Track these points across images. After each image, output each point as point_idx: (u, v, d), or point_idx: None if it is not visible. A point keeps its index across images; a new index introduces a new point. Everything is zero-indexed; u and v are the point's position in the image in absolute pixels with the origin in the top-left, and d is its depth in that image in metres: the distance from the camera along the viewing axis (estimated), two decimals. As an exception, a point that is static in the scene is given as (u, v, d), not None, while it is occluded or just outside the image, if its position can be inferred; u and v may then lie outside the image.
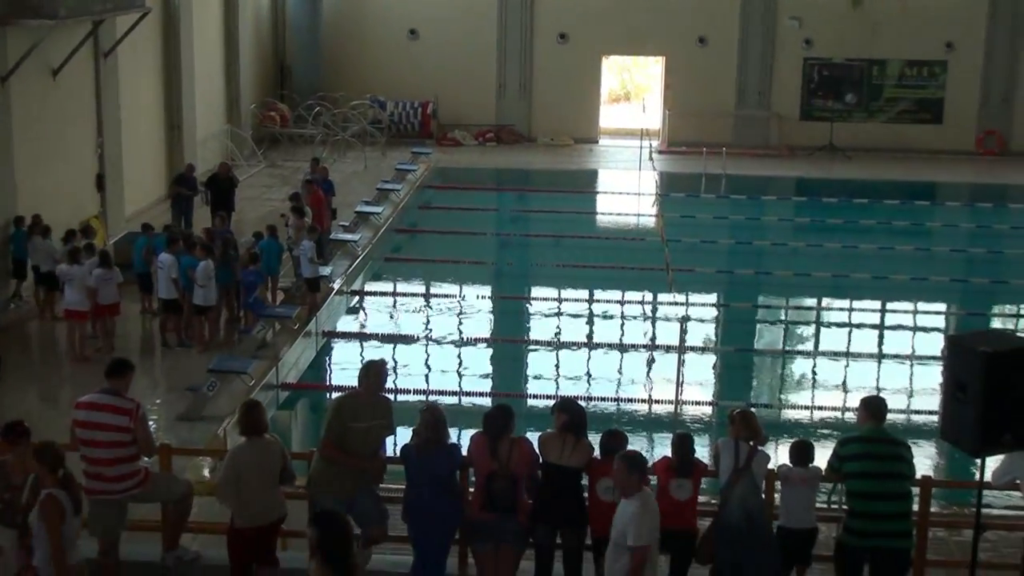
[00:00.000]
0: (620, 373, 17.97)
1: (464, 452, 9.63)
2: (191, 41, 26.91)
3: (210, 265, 16.79)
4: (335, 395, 12.70)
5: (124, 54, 22.78)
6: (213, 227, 19.02)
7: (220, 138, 29.93)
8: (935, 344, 19.14)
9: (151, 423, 13.92)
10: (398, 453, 9.66)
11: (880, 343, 19.54)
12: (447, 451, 9.44)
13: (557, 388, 17.07)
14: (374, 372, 9.67)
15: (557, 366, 18.13)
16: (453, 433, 14.08)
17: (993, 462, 9.39)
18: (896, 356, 18.69)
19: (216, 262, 17.42)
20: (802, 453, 9.62)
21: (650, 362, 18.03)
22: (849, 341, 19.56)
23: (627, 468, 8.42)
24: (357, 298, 21.14)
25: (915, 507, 9.74)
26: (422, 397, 16.15)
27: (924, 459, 14.46)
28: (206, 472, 12.53)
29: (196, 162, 24.82)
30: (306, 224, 19.50)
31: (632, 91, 46.77)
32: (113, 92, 22.53)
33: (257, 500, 9.09)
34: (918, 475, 10.24)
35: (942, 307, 21.73)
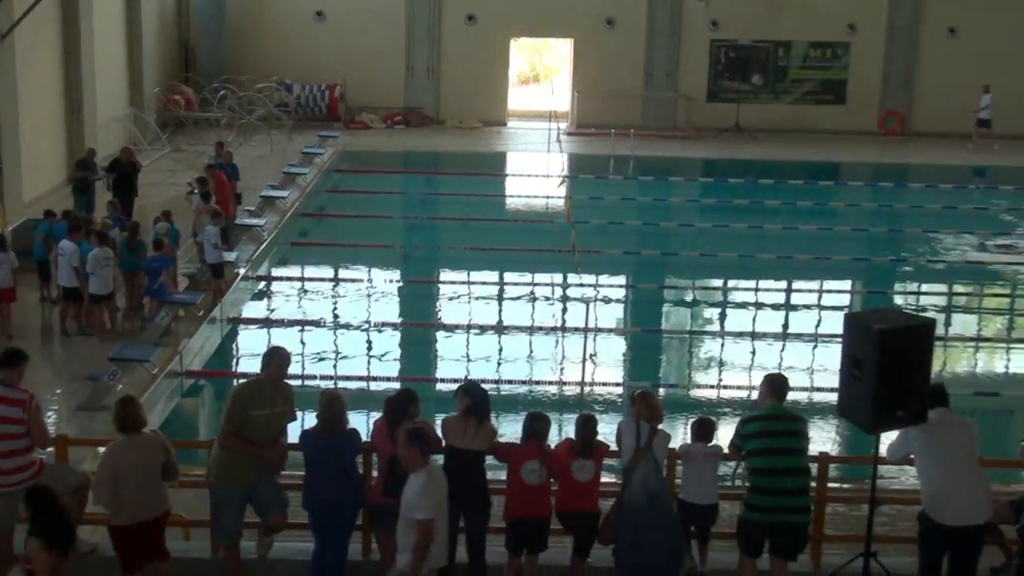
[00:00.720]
0: (529, 355, 18.00)
1: (367, 437, 9.60)
2: (91, 22, 26.37)
3: (102, 252, 16.48)
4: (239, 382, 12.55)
5: (21, 36, 22.29)
6: (107, 215, 18.71)
7: (123, 122, 29.42)
8: (838, 322, 19.40)
9: (51, 413, 13.71)
10: (297, 440, 9.59)
11: (785, 322, 19.81)
12: (347, 436, 9.41)
13: (467, 372, 17.02)
14: (276, 359, 9.62)
15: (466, 349, 18.10)
16: (361, 418, 14.13)
17: (890, 438, 9.56)
18: (800, 335, 18.95)
19: (118, 249, 17.17)
20: (703, 429, 9.79)
21: (558, 344, 18.12)
22: (755, 321, 19.81)
23: (407, 442, 8.46)
24: (263, 283, 20.93)
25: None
26: (329, 383, 16.04)
27: (825, 435, 14.72)
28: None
29: (97, 146, 24.38)
30: (211, 209, 19.25)
31: (541, 73, 46.88)
32: (10, 75, 22.04)
33: (137, 497, 8.94)
34: (816, 451, 10.44)
35: (845, 286, 22.06)
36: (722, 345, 18.71)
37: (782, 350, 18.34)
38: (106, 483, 8.92)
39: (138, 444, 8.98)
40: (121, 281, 17.46)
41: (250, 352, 17.66)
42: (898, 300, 21.35)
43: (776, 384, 9.63)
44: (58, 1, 25.12)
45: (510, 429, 14.24)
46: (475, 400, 9.51)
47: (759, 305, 20.68)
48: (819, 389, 16.27)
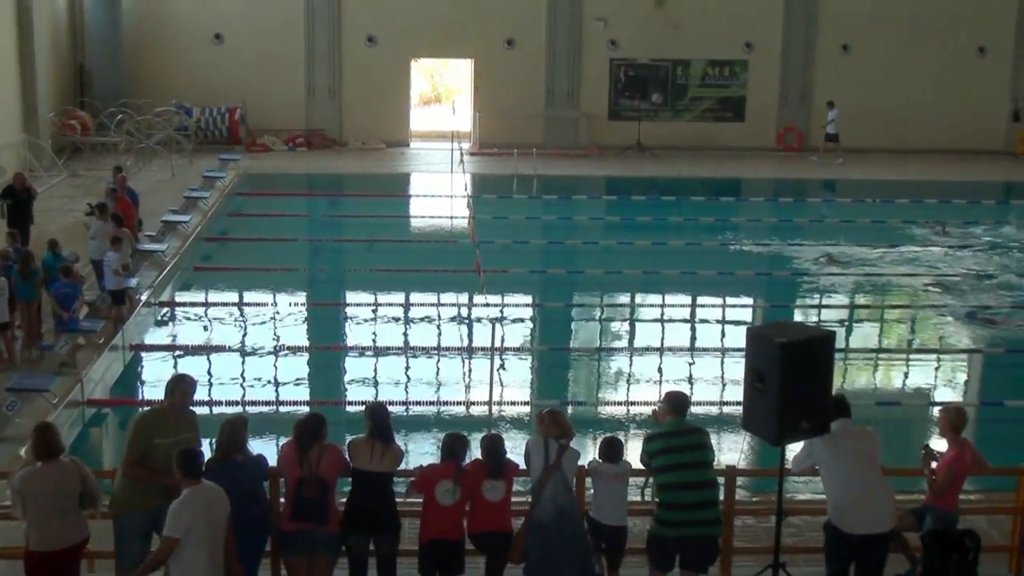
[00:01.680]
0: (436, 376, 17.99)
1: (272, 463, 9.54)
2: (-18, 47, 25.91)
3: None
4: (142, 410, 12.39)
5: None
6: (7, 245, 18.31)
7: (16, 148, 28.87)
8: (742, 336, 19.67)
9: (-54, 447, 13.39)
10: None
11: (691, 337, 20.04)
12: (251, 462, 9.34)
13: (375, 393, 16.98)
14: (182, 387, 9.57)
15: (374, 371, 18.04)
16: (270, 444, 14.01)
17: (795, 449, 9.72)
18: (706, 349, 19.16)
19: (11, 278, 16.86)
20: (611, 450, 9.80)
21: (465, 364, 18.14)
22: (661, 336, 20.01)
23: (176, 463, 8.67)
24: (166, 309, 20.66)
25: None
26: (236, 408, 15.86)
27: (732, 449, 14.89)
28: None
29: (-9, 173, 23.96)
30: (116, 233, 18.92)
31: (442, 93, 46.95)
32: None
33: (54, 524, 8.82)
34: (723, 464, 10.57)
35: (748, 300, 22.38)
36: (629, 361, 18.86)
37: (689, 365, 18.53)
38: (17, 508, 8.84)
39: (56, 471, 8.85)
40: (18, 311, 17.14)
41: (154, 379, 17.38)
42: (797, 314, 21.69)
43: (676, 400, 9.77)
44: (-54, 24, 24.65)
45: (419, 449, 14.27)
46: (375, 422, 9.50)
47: (665, 321, 20.90)
48: (726, 403, 16.46)
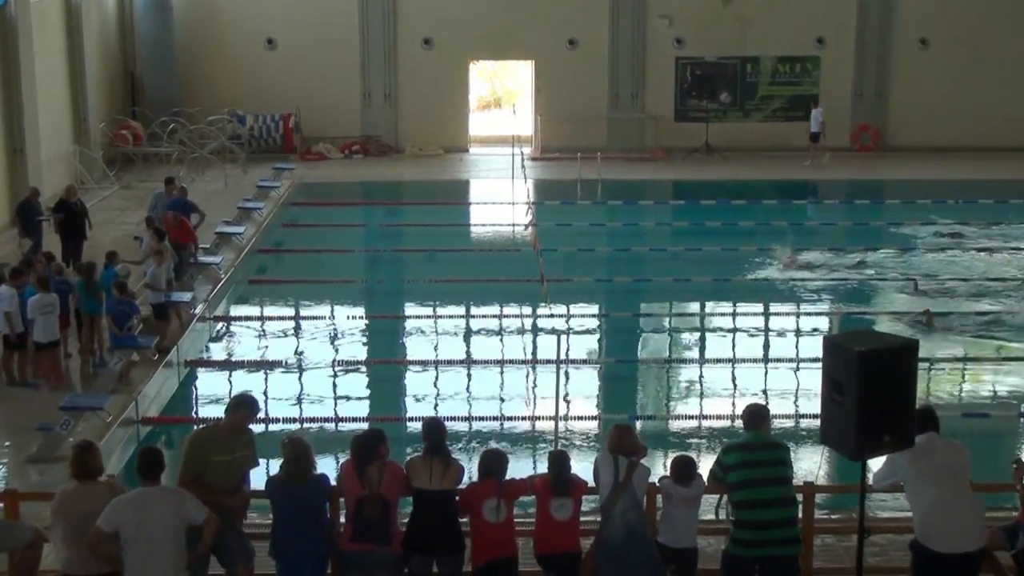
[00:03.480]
0: (499, 391, 18.00)
1: (333, 481, 9.59)
2: (31, 55, 26.27)
3: (44, 298, 16.35)
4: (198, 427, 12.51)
5: (-44, 74, 22.22)
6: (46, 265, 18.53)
7: (67, 159, 29.31)
8: (818, 346, 19.48)
9: (-1, 467, 13.62)
10: (263, 487, 9.56)
11: (765, 347, 19.89)
12: (314, 482, 9.39)
13: (436, 409, 17.03)
14: (244, 410, 9.58)
15: (434, 386, 18.08)
16: (329, 462, 14.09)
17: (877, 464, 9.61)
18: (781, 359, 19.01)
19: (75, 291, 17.21)
20: (684, 471, 9.63)
21: (529, 377, 18.15)
22: (733, 347, 19.87)
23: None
24: (221, 324, 20.86)
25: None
26: (294, 426, 16.02)
27: (811, 464, 14.75)
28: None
29: (42, 186, 24.28)
30: (159, 247, 19.14)
31: (502, 97, 47.03)
32: (-55, 115, 21.97)
33: (84, 549, 8.82)
34: (802, 480, 10.47)
35: (824, 307, 22.16)
36: (700, 373, 18.77)
37: (763, 376, 18.41)
38: (52, 529, 8.93)
39: (90, 493, 8.92)
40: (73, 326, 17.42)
41: (210, 396, 17.60)
42: (880, 324, 21.39)
43: (755, 413, 9.70)
44: (-6, 35, 25.06)
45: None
46: (431, 440, 9.54)
47: (737, 331, 20.75)
48: (802, 416, 16.33)
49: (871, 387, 8.60)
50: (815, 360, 17.40)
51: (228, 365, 18.96)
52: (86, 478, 8.99)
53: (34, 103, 26.31)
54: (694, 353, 19.96)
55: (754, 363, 18.91)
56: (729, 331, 20.77)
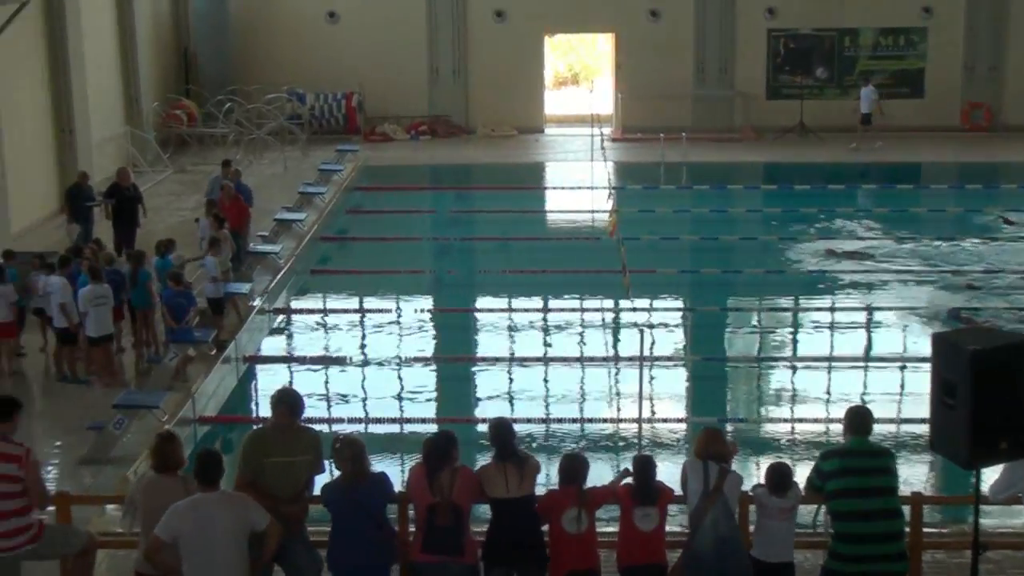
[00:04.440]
0: (578, 390, 18.01)
1: (399, 486, 9.66)
2: (80, 33, 26.72)
3: (96, 290, 16.59)
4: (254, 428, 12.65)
5: (2, 51, 22.56)
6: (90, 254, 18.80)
7: (119, 141, 29.74)
8: (927, 344, 19.29)
9: (50, 468, 13.85)
10: (319, 492, 9.63)
11: (867, 345, 19.70)
12: (372, 483, 9.42)
13: (511, 409, 17.08)
14: (283, 406, 9.63)
15: (508, 384, 18.13)
16: (394, 465, 14.19)
17: (993, 473, 9.51)
18: (884, 359, 18.83)
19: (124, 284, 17.47)
20: (779, 480, 9.60)
21: (610, 376, 18.16)
22: (832, 344, 19.71)
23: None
24: (281, 317, 21.07)
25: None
26: (358, 426, 16.16)
27: (919, 473, 14.63)
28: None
29: (92, 170, 24.67)
30: (216, 235, 19.37)
31: (580, 73, 46.98)
32: (-9, 95, 22.36)
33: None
34: (909, 491, 10.38)
35: (933, 302, 21.87)
36: (795, 373, 18.65)
37: (865, 377, 18.26)
38: (127, 514, 9.21)
39: (166, 486, 9.06)
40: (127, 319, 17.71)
41: (270, 394, 17.74)
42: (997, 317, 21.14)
43: (857, 417, 9.61)
44: (41, 11, 25.44)
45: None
46: (500, 443, 9.59)
47: (835, 327, 20.56)
48: (909, 420, 16.17)
49: (986, 389, 8.49)
50: (924, 360, 17.35)
51: (288, 361, 19.13)
52: (164, 470, 9.15)
53: (83, 82, 26.74)
54: (788, 351, 19.82)
55: (855, 362, 18.76)
56: (826, 327, 20.57)
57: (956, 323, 19.75)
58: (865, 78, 34.58)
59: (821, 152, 33.19)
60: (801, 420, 16.57)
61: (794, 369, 18.82)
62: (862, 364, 18.70)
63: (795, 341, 20.25)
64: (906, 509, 9.91)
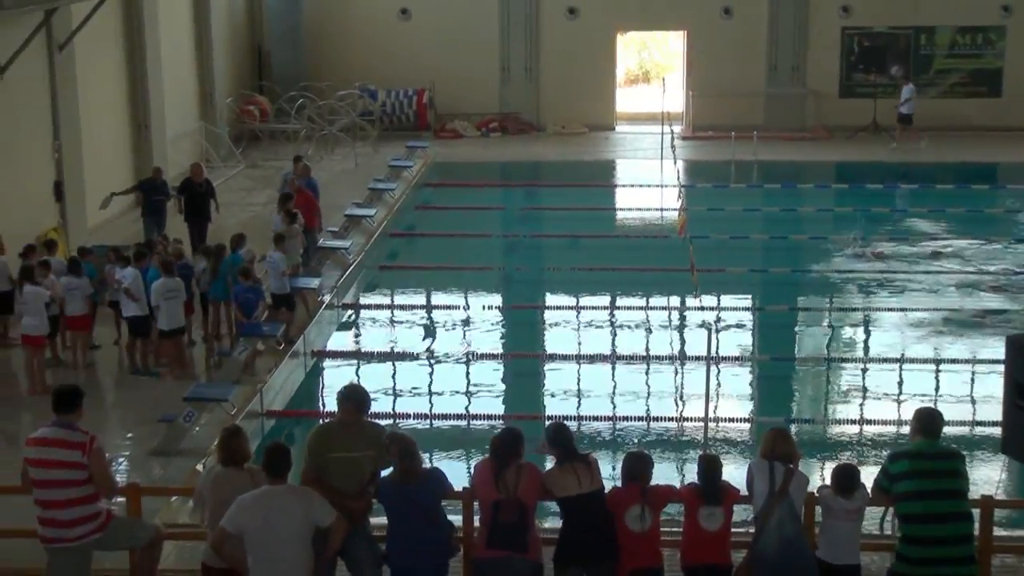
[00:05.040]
0: (645, 389, 17.99)
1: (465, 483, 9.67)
2: (157, 29, 27.00)
3: (168, 283, 16.77)
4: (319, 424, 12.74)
5: (81, 46, 22.85)
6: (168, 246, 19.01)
7: (193, 136, 30.05)
8: (1000, 346, 19.10)
9: (121, 460, 14.01)
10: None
11: (937, 346, 19.48)
12: (427, 479, 9.44)
13: (578, 406, 17.12)
14: (350, 404, 9.64)
15: (576, 382, 18.13)
16: (460, 462, 14.24)
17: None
18: (956, 360, 18.59)
19: (198, 276, 17.79)
20: (846, 481, 9.51)
21: (677, 375, 18.12)
22: (902, 345, 19.50)
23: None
24: (350, 312, 21.18)
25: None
26: (425, 422, 16.30)
27: (990, 476, 14.47)
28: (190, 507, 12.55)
29: (167, 164, 24.96)
30: (283, 231, 19.48)
31: (651, 71, 46.85)
32: (71, 89, 22.59)
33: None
34: (979, 494, 10.27)
35: (1007, 303, 21.62)
36: (864, 373, 18.50)
37: (935, 378, 18.07)
38: (196, 505, 9.35)
39: (234, 479, 9.14)
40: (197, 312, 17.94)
41: (337, 389, 17.86)
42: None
43: (926, 418, 9.51)
44: (120, 6, 25.75)
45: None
46: (563, 448, 9.52)
47: (906, 327, 20.35)
48: (980, 423, 16.04)
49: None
50: (996, 362, 17.19)
51: (356, 356, 19.26)
52: (231, 464, 9.25)
53: (159, 77, 27.01)
54: (857, 351, 19.66)
55: (925, 364, 18.54)
56: (896, 328, 20.38)
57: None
58: (905, 76, 34.16)
59: (895, 151, 32.84)
60: (869, 421, 16.43)
61: (863, 370, 18.67)
62: (933, 365, 18.49)
63: (864, 342, 20.09)
64: (976, 512, 9.80)
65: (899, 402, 17.29)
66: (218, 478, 9.25)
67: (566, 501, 9.43)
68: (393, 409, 16.70)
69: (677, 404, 17.38)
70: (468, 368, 18.61)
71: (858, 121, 34.57)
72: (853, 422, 16.65)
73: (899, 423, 16.05)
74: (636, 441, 15.69)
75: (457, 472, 10.02)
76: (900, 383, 17.99)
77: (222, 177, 28.38)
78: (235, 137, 32.37)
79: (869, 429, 16.26)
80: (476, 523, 9.78)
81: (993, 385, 17.43)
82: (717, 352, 17.76)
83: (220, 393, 15.47)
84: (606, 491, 9.55)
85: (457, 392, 17.87)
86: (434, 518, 9.41)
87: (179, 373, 16.88)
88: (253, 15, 35.91)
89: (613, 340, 19.91)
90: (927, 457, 9.31)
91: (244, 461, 9.32)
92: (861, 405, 17.47)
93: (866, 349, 19.72)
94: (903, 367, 18.40)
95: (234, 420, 14.83)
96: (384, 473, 9.61)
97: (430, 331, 20.40)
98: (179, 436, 14.45)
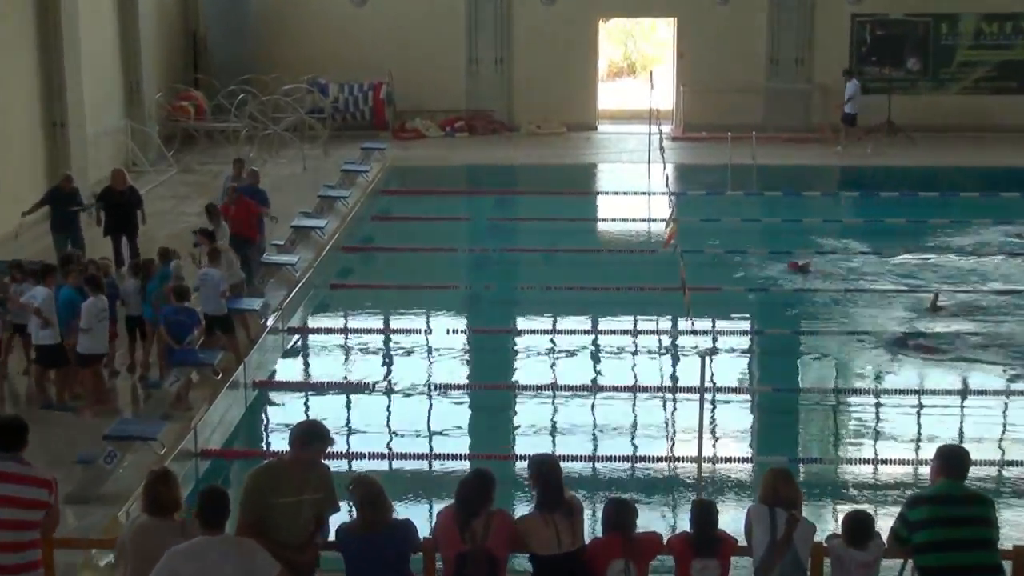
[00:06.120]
0: (631, 424, 17.99)
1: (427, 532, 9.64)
2: (76, 14, 26.88)
3: (99, 303, 16.64)
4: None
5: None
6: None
7: (117, 136, 29.94)
8: (1032, 376, 19.27)
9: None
10: (333, 537, 9.60)
11: (963, 378, 19.51)
12: (393, 530, 9.39)
13: (554, 444, 17.06)
14: (319, 443, 9.53)
15: (552, 416, 18.12)
16: (422, 507, 14.18)
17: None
18: (983, 392, 18.66)
19: (124, 296, 17.75)
20: (859, 531, 9.53)
21: (666, 408, 18.13)
22: (921, 375, 19.56)
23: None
24: (296, 337, 21.13)
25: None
26: (382, 463, 16.22)
27: (1021, 524, 14.48)
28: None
29: (87, 168, 24.93)
30: (221, 247, 19.37)
31: (637, 63, 46.99)
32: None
33: None
34: (1010, 544, 10.26)
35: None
36: (877, 406, 18.52)
37: (959, 412, 18.13)
38: (122, 558, 9.15)
39: (161, 531, 9.04)
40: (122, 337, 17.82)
41: (282, 424, 17.80)
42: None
43: (950, 458, 9.53)
44: (33, -9, 25.66)
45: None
46: (547, 486, 9.50)
47: (926, 355, 20.36)
48: (1010, 463, 16.09)
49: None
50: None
51: (304, 387, 19.20)
52: (158, 513, 9.14)
53: (77, 68, 26.89)
54: (869, 382, 19.62)
55: (947, 395, 18.60)
56: (915, 355, 20.41)
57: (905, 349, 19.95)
58: (848, 72, 34.36)
59: (912, 155, 33.03)
60: (885, 461, 16.44)
61: (877, 402, 18.68)
62: (958, 397, 18.55)
63: (879, 370, 20.07)
64: (1007, 565, 9.80)
65: (919, 439, 17.36)
66: (143, 529, 9.15)
67: (539, 559, 9.40)
68: (347, 448, 16.62)
69: (666, 441, 17.38)
70: (431, 401, 18.57)
71: (871, 120, 34.72)
72: (866, 461, 16.66)
73: (919, 463, 16.09)
74: (619, 484, 15.68)
75: (418, 520, 9.91)
76: (920, 416, 18.06)
77: (151, 183, 28.31)
78: (166, 137, 32.30)
79: (885, 469, 16.28)
80: (438, 580, 9.76)
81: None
82: (712, 382, 17.83)
83: (147, 430, 15.34)
84: (586, 542, 9.54)
85: (418, 429, 17.83)
86: (400, 572, 9.36)
87: (98, 408, 16.75)
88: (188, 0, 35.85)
89: (594, 369, 19.93)
90: (951, 502, 9.32)
91: (173, 509, 9.21)
92: (875, 442, 17.54)
93: (880, 378, 19.72)
94: (923, 398, 18.45)
95: (163, 462, 14.73)
96: (333, 517, 9.59)
97: (388, 359, 20.37)
98: (99, 480, 14.33)
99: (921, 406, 18.33)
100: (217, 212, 20.83)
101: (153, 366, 18.00)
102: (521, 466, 15.72)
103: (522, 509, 9.70)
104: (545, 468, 9.71)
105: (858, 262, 24.73)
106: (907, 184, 30.00)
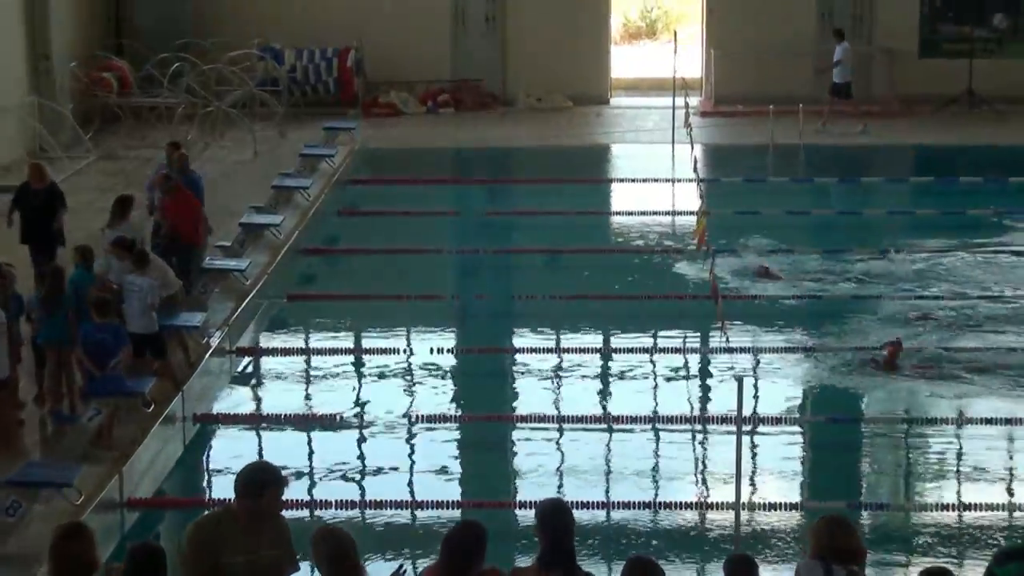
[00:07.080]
0: (653, 462, 18.04)
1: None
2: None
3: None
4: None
5: None
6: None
7: (20, 116, 29.87)
8: None
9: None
10: None
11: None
12: None
13: (560, 487, 17.08)
14: (274, 489, 9.62)
15: (558, 455, 18.14)
16: (394, 562, 14.16)
17: None
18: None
19: (30, 311, 17.55)
20: (936, 587, 9.57)
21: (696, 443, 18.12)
22: (1014, 399, 19.50)
23: None
24: (247, 360, 21.16)
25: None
26: (351, 512, 16.23)
27: None
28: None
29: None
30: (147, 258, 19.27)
31: (659, 23, 47.06)
32: None
33: None
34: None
35: None
36: (958, 439, 18.53)
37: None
38: None
39: None
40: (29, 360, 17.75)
41: (229, 467, 17.77)
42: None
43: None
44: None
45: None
46: (554, 537, 9.52)
47: (1018, 376, 20.33)
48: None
49: None
50: None
51: (256, 421, 19.19)
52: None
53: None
54: (948, 409, 19.56)
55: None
56: (1004, 376, 20.37)
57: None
58: (839, 32, 34.27)
59: (999, 131, 33.12)
60: (968, 507, 16.42)
61: (957, 434, 18.67)
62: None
63: (959, 395, 20.01)
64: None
65: (1011, 478, 17.37)
66: None
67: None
68: (309, 495, 16.64)
69: (696, 485, 17.39)
70: (411, 436, 18.62)
71: (947, 90, 34.81)
72: (945, 507, 16.58)
73: (1011, 508, 16.13)
74: (639, 538, 15.66)
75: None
76: (1011, 453, 18.04)
77: (66, 172, 28.20)
78: (82, 116, 32.25)
79: (968, 516, 16.26)
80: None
81: None
82: (752, 411, 17.80)
83: (60, 476, 15.31)
84: None
85: (396, 470, 17.84)
86: None
87: None
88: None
89: (606, 395, 19.97)
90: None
91: (88, 573, 9.16)
92: (957, 483, 17.54)
93: (962, 406, 19.68)
94: (1015, 430, 18.42)
95: (80, 514, 14.70)
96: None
97: (358, 386, 20.43)
98: (1, 537, 14.31)
99: (1011, 439, 18.32)
100: (126, 206, 20.56)
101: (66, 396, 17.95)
102: (520, 515, 15.79)
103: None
104: (556, 520, 9.69)
105: (935, 262, 24.72)
106: (992, 166, 30.01)
